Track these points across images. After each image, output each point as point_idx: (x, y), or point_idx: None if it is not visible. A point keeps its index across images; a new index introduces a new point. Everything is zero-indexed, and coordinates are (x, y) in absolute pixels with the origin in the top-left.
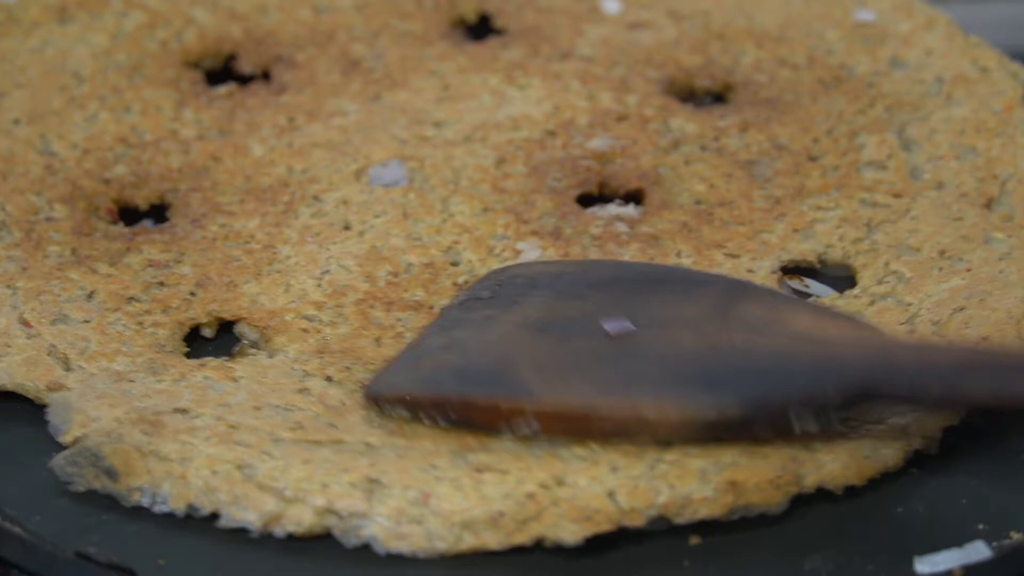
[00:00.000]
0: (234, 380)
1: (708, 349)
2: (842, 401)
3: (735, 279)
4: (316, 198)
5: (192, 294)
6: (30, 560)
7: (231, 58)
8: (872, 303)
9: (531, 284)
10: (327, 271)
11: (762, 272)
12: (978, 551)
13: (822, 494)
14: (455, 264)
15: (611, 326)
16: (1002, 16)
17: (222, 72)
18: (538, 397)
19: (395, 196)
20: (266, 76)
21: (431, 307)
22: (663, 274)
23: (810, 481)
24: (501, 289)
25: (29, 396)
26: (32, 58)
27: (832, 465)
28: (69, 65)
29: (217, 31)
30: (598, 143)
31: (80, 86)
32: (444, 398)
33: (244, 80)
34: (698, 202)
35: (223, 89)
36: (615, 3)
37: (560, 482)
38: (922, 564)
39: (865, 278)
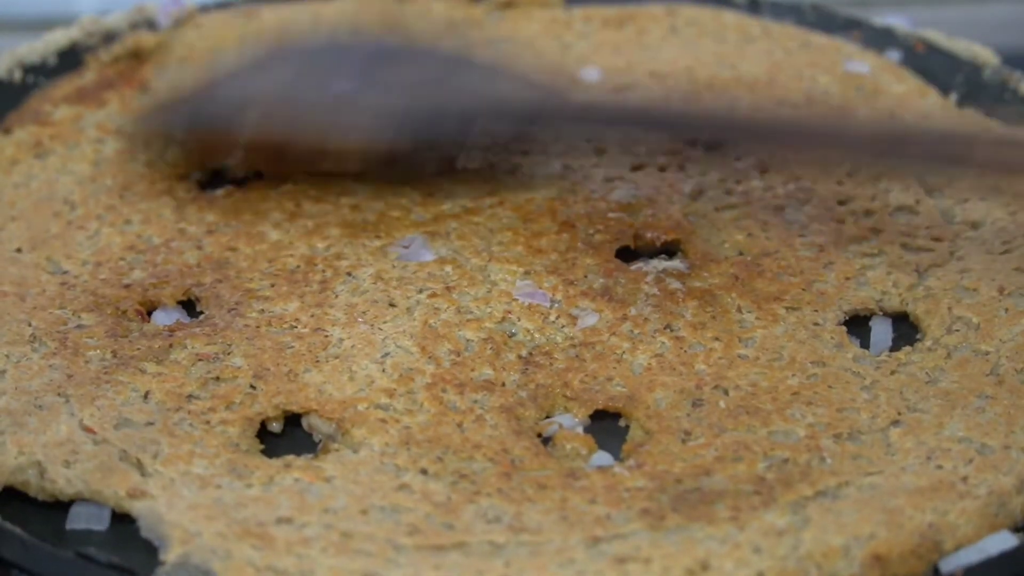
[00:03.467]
0: (327, 480)
1: (407, 103)
2: (516, 123)
3: (461, 55)
4: (350, 274)
5: (252, 387)
6: (30, 560)
7: (219, 167)
8: (948, 356)
9: (286, 56)
10: (387, 353)
11: (829, 324)
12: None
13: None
14: (512, 336)
15: (334, 86)
16: (1002, 16)
17: (213, 181)
18: (246, 130)
19: (432, 269)
20: (259, 175)
21: (503, 384)
22: (398, 47)
23: (949, 546)
24: (256, 60)
25: (108, 504)
26: (18, 192)
27: (966, 527)
28: (58, 193)
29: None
30: (621, 194)
31: (74, 211)
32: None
33: (239, 183)
34: (741, 252)
35: (221, 191)
36: (594, 71)
37: (706, 567)
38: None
39: (933, 327)
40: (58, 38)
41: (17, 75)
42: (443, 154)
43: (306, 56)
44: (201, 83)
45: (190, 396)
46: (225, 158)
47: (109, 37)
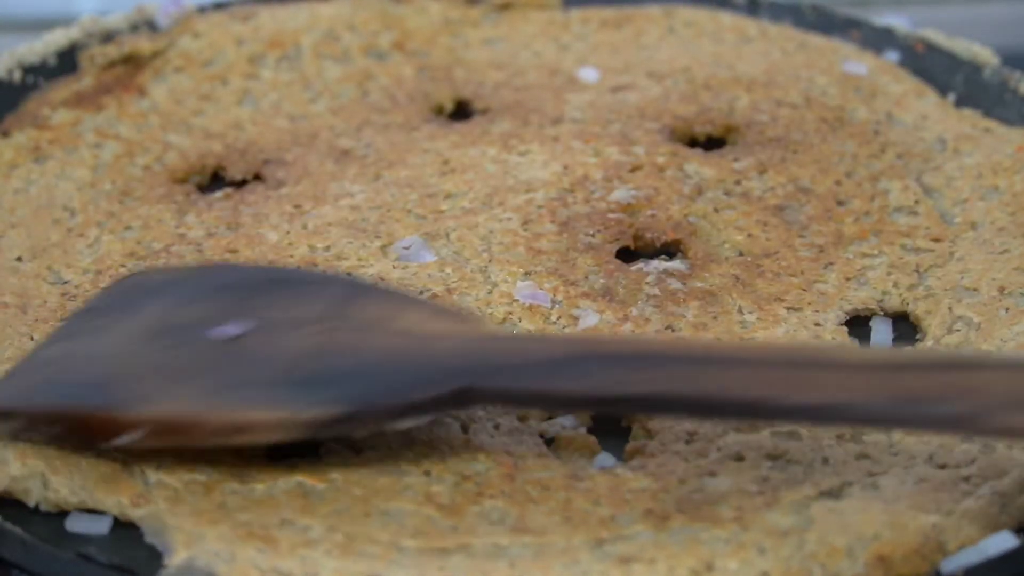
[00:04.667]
0: (330, 483)
1: (315, 349)
2: (437, 400)
3: (354, 280)
4: (350, 275)
5: None
6: (31, 560)
7: (218, 170)
8: None
9: (149, 291)
10: None
11: (830, 324)
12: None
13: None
14: None
15: (220, 331)
16: (1002, 16)
17: (212, 184)
18: (142, 407)
19: (432, 271)
20: (258, 178)
21: None
22: (282, 276)
23: (952, 546)
24: (118, 298)
25: (111, 513)
26: (18, 198)
27: (970, 528)
28: (57, 199)
29: (197, 149)
30: (620, 194)
31: (73, 218)
32: (52, 411)
33: (237, 185)
34: (741, 253)
35: (220, 193)
36: (592, 72)
37: (710, 567)
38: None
39: (933, 327)
40: (58, 38)
41: (17, 75)
42: (373, 420)
43: (162, 293)
44: (45, 343)
45: None
46: (115, 440)
47: (109, 37)
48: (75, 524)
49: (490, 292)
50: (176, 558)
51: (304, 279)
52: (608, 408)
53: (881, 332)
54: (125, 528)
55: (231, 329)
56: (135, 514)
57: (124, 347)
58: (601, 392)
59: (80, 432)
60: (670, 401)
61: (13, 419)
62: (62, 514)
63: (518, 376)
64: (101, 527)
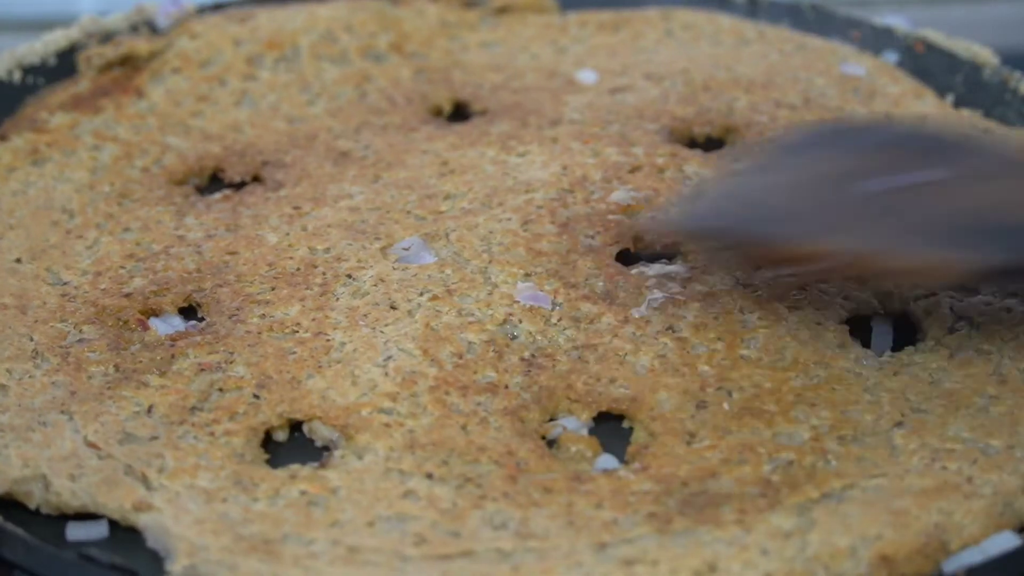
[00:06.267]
0: (332, 492)
1: (974, 207)
2: None
3: (1000, 154)
4: (350, 276)
5: (256, 396)
6: (32, 561)
7: (217, 172)
8: (951, 356)
9: (810, 142)
10: (389, 357)
11: (831, 324)
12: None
13: None
14: (514, 338)
15: (892, 180)
16: (1002, 16)
17: (210, 186)
18: (823, 241)
19: (432, 272)
20: (257, 180)
21: (506, 386)
22: (931, 138)
23: (955, 545)
24: (788, 146)
25: (113, 517)
26: (17, 200)
27: (972, 527)
28: (56, 202)
29: (196, 151)
30: (620, 195)
31: (72, 219)
32: (738, 236)
33: (236, 187)
34: None
35: (219, 195)
36: (591, 73)
37: (713, 568)
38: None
39: (933, 327)
40: (58, 39)
41: (16, 76)
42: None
43: (825, 144)
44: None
45: (193, 408)
46: (786, 268)
47: (109, 38)
48: (75, 532)
49: (490, 293)
50: (178, 565)
51: (952, 144)
52: None
53: (881, 332)
54: (127, 530)
55: (871, 183)
56: (138, 519)
57: (803, 187)
58: None
59: (758, 257)
60: None
61: (702, 240)
62: (64, 516)
63: None
64: (100, 531)
